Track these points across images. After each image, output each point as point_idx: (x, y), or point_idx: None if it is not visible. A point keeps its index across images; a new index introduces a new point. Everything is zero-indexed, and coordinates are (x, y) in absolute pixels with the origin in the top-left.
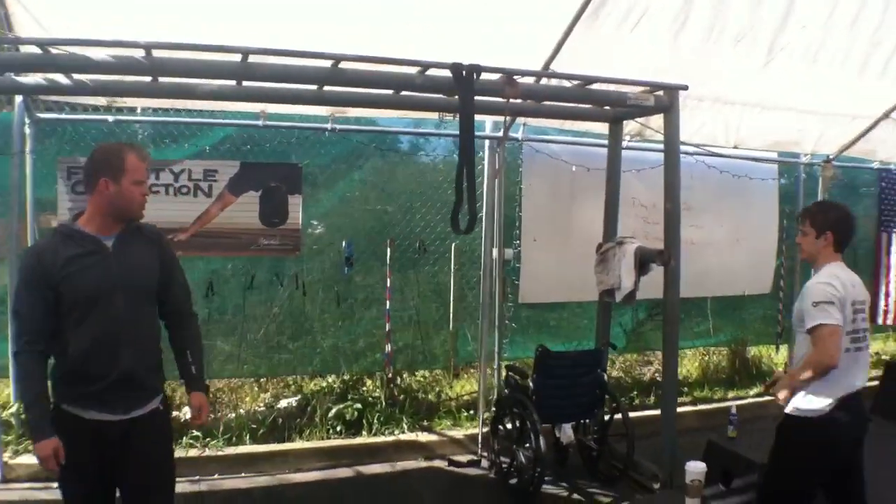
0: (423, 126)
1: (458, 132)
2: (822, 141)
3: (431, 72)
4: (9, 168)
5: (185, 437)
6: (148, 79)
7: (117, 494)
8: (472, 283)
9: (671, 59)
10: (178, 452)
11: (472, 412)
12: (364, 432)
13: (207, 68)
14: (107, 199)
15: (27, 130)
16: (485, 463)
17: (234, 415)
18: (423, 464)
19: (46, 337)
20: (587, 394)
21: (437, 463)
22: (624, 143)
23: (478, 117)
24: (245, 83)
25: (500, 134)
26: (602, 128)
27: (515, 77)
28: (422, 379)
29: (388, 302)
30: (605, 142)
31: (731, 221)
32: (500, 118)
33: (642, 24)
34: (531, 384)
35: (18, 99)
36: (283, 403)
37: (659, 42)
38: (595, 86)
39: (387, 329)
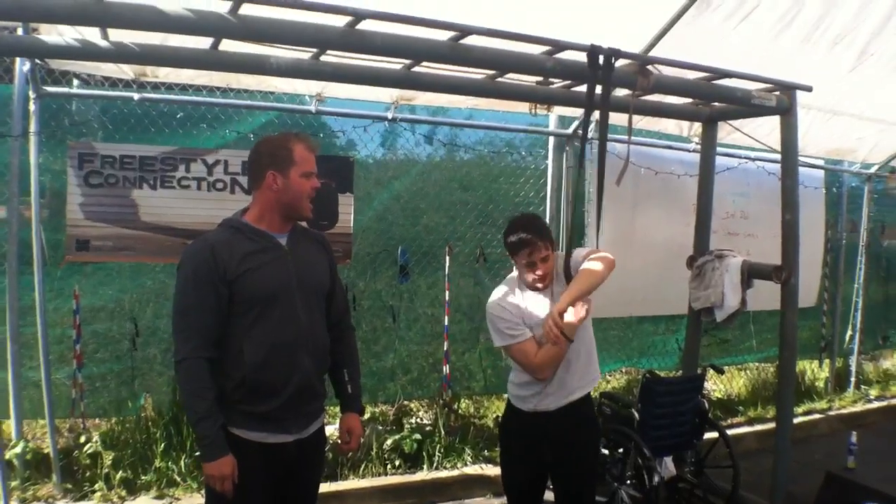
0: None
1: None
2: (875, 150)
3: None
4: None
5: None
6: (207, 44)
7: None
8: None
9: (765, 59)
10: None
11: None
12: (424, 466)
13: (302, 33)
14: (275, 194)
15: (31, 107)
16: None
17: None
18: (494, 501)
19: (215, 342)
20: (688, 422)
21: None
22: (691, 146)
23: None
24: (323, 58)
25: (569, 131)
26: (675, 129)
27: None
28: (478, 404)
29: (446, 318)
30: (673, 143)
31: (778, 230)
32: (573, 112)
33: (752, 18)
34: (636, 414)
35: (19, 68)
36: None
37: (759, 40)
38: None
39: (445, 348)
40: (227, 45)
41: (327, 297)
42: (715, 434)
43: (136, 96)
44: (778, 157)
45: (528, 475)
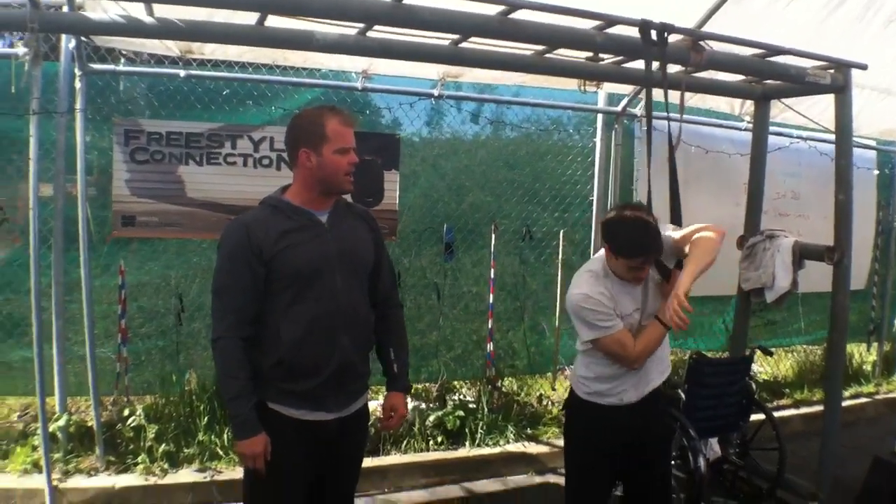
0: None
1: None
2: None
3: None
4: (53, 128)
5: None
6: (253, 19)
7: None
8: None
9: (816, 38)
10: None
11: None
12: (467, 443)
13: (348, 6)
14: (309, 171)
15: (77, 84)
16: None
17: None
18: (536, 479)
19: (251, 321)
20: (735, 404)
21: (552, 478)
22: (742, 125)
23: (590, 87)
24: (370, 33)
25: (619, 108)
26: (726, 107)
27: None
28: (521, 382)
29: (490, 296)
30: (723, 122)
31: (829, 211)
32: (622, 90)
33: None
34: (682, 394)
35: (65, 45)
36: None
37: (810, 18)
38: None
39: (489, 326)
40: (273, 21)
41: (373, 274)
42: (761, 416)
43: (182, 73)
44: (830, 136)
45: (604, 472)
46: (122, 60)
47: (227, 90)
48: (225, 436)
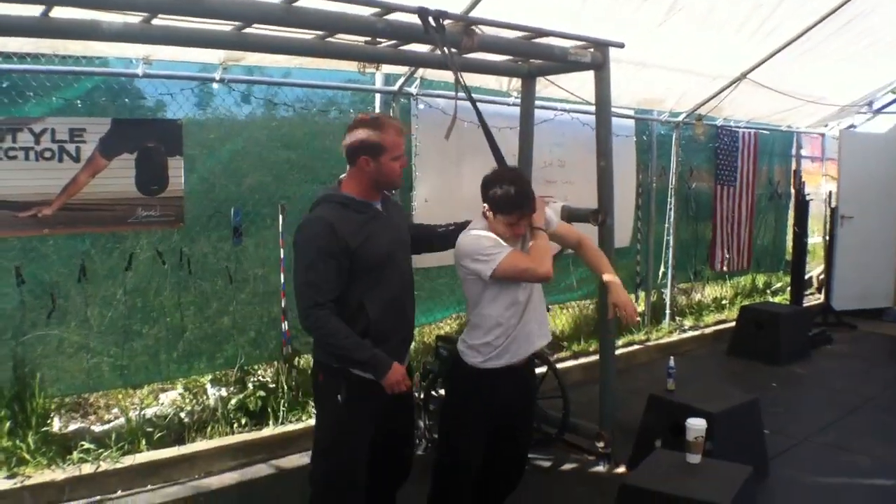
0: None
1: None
2: (683, 100)
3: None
4: None
5: (74, 453)
6: (38, 10)
7: None
8: None
9: (581, 16)
10: (70, 471)
11: None
12: (270, 422)
13: None
14: (368, 174)
15: None
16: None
17: (123, 419)
18: None
19: (338, 303)
20: None
21: None
22: (510, 100)
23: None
24: (156, 21)
25: (395, 88)
26: (495, 84)
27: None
28: None
29: (282, 276)
30: (494, 98)
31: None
32: (398, 70)
33: None
34: None
35: None
36: (166, 398)
37: None
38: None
39: (283, 306)
40: (59, 12)
41: (412, 237)
42: (544, 368)
43: None
44: (591, 108)
45: (485, 437)
46: None
47: (7, 82)
48: (30, 439)
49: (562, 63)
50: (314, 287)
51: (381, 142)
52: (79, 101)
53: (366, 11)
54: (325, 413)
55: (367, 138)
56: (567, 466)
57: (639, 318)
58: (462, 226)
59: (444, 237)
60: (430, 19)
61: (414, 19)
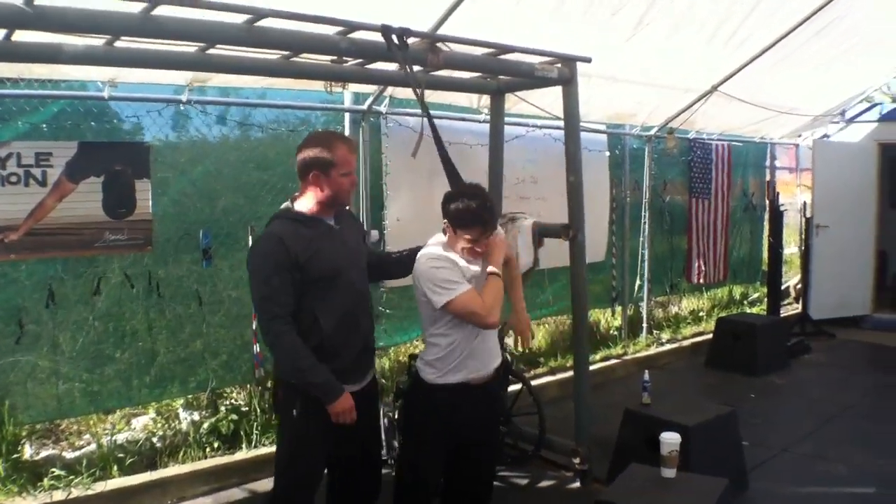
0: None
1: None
2: (654, 114)
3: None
4: None
5: (45, 480)
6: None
7: None
8: None
9: (549, 33)
10: (42, 498)
11: None
12: (244, 445)
13: (97, 20)
14: (319, 189)
15: None
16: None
17: (95, 446)
18: None
19: (294, 316)
20: None
21: None
22: (481, 117)
23: (336, 87)
24: (119, 43)
25: (364, 107)
26: (465, 101)
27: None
28: None
29: None
30: (465, 116)
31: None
32: (367, 89)
33: None
34: None
35: None
36: (138, 423)
37: (542, 14)
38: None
39: (254, 328)
40: (21, 36)
41: (368, 258)
42: (519, 385)
43: None
44: (562, 124)
45: (443, 454)
46: None
47: None
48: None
49: (529, 79)
50: (272, 300)
51: (330, 158)
52: (44, 125)
53: (330, 30)
54: (283, 428)
55: (317, 155)
56: (544, 483)
57: (530, 343)
58: (415, 251)
59: (401, 263)
60: (394, 37)
61: (378, 37)
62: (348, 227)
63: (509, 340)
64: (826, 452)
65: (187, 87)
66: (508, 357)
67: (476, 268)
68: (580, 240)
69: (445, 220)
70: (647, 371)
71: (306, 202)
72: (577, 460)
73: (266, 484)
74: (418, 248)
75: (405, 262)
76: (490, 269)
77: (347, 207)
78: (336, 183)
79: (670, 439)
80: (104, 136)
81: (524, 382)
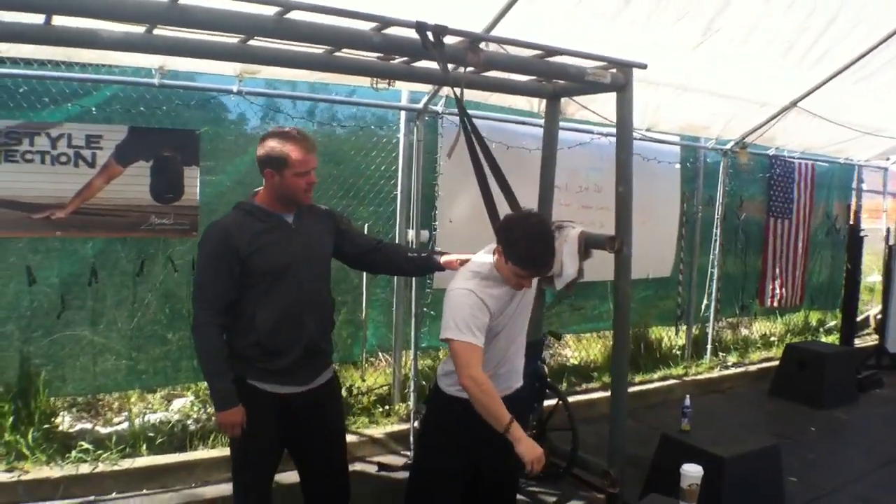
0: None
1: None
2: (729, 127)
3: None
4: None
5: (73, 452)
6: (40, 20)
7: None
8: None
9: (608, 38)
10: (68, 469)
11: (386, 408)
12: None
13: (126, 8)
14: (274, 186)
15: None
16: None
17: (126, 423)
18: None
19: (228, 310)
20: (527, 387)
21: (361, 467)
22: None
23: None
24: (157, 31)
25: (420, 106)
26: (525, 104)
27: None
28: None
29: None
30: (526, 119)
31: (637, 204)
32: (422, 87)
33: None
34: None
35: None
36: (176, 405)
37: (601, 17)
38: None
39: None
40: (60, 21)
41: (341, 245)
42: (555, 400)
43: None
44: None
45: (467, 468)
46: None
47: (25, 87)
48: (30, 435)
49: (580, 83)
50: (202, 289)
51: (286, 156)
52: (94, 109)
53: (364, 26)
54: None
55: (272, 152)
56: (572, 503)
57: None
58: (428, 259)
59: (412, 263)
60: (429, 34)
61: (414, 34)
62: (312, 224)
63: (568, 352)
64: (878, 497)
65: (237, 77)
66: (545, 369)
67: (513, 305)
68: (626, 252)
69: (500, 246)
70: (688, 396)
71: (264, 195)
72: (607, 483)
73: (289, 476)
74: (434, 255)
75: (418, 263)
76: (517, 433)
77: (325, 207)
78: (288, 182)
79: (691, 472)
80: (155, 122)
81: (560, 397)
